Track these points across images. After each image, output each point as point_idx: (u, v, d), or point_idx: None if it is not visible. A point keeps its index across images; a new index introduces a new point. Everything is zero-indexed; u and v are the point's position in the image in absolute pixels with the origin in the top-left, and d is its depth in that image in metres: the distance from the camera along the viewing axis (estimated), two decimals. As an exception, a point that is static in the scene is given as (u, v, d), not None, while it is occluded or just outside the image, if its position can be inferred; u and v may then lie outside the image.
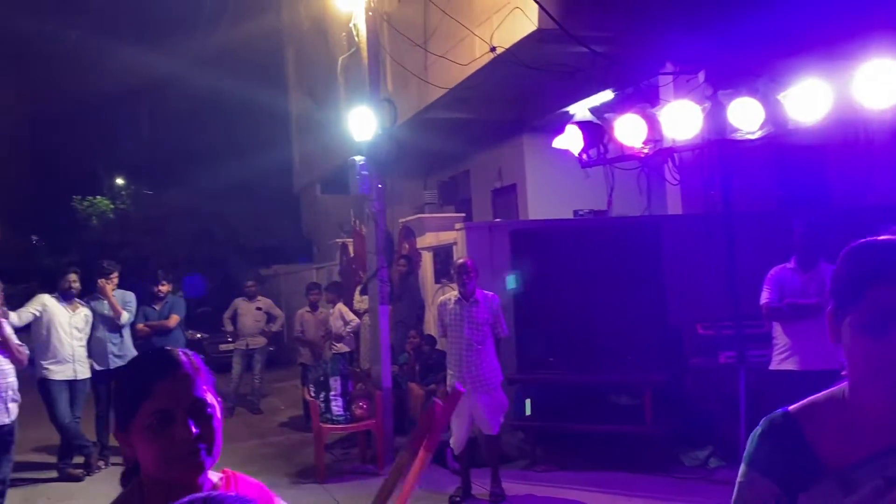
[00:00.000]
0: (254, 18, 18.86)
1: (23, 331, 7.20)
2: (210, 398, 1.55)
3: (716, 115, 6.23)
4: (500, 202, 12.87)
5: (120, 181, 27.05)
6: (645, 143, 6.49)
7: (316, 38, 16.43)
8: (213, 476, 1.61)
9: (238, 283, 12.97)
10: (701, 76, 7.41)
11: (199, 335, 15.04)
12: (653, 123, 6.42)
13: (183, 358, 1.58)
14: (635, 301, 7.37)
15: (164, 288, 9.00)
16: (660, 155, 6.56)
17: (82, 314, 7.80)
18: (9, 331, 6.21)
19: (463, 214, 11.36)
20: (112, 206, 25.47)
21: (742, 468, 1.43)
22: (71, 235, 24.01)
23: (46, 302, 7.68)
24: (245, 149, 20.12)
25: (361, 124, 7.79)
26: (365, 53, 8.01)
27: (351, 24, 8.21)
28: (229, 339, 12.28)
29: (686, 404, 7.13)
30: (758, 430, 1.43)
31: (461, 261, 6.67)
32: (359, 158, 7.77)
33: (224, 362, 12.03)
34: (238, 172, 20.00)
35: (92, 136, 25.92)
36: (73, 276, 7.81)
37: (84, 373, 7.71)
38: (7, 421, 6.10)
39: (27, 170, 24.74)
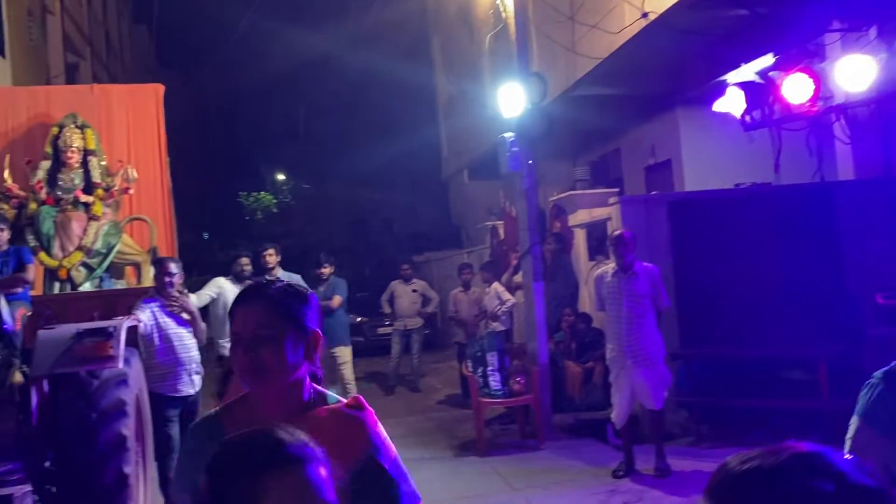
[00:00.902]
0: (400, 6, 19.27)
1: (200, 312, 7.70)
2: (274, 331, 1.73)
3: (893, 67, 5.79)
4: (654, 180, 12.48)
5: (281, 176, 28.51)
6: (813, 100, 6.13)
7: (461, 23, 16.57)
8: (330, 398, 1.83)
9: (392, 269, 13.32)
10: (872, 32, 6.90)
11: (358, 319, 15.56)
12: (822, 80, 6.05)
13: (269, 292, 1.80)
14: (807, 271, 6.98)
15: (327, 270, 9.33)
16: (830, 113, 6.17)
17: (254, 295, 8.25)
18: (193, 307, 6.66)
19: (616, 189, 11.12)
20: (275, 201, 26.90)
21: (863, 425, 1.25)
22: (238, 230, 25.50)
23: (222, 284, 8.20)
24: (395, 139, 20.65)
25: (510, 100, 7.78)
26: (513, 28, 7.99)
27: (497, 0, 8.21)
28: (387, 322, 12.64)
29: (866, 377, 6.66)
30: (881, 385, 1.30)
31: (618, 232, 6.54)
32: (508, 135, 7.77)
33: (383, 344, 12.41)
34: (389, 162, 20.52)
35: (253, 134, 27.45)
36: (244, 260, 8.30)
37: (257, 349, 8.14)
38: (192, 392, 6.53)
39: (198, 170, 26.49)
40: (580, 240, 9.78)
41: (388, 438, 1.80)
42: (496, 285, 9.87)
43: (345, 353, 8.88)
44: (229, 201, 27.00)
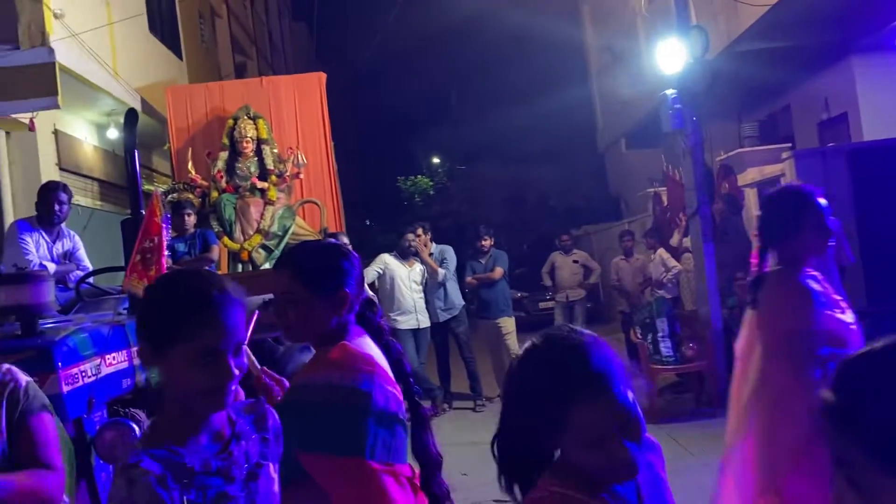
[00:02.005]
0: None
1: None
2: (295, 295, 2.06)
3: None
4: (828, 136, 11.71)
5: (436, 159, 29.07)
6: None
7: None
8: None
9: (550, 244, 13.22)
10: None
11: (518, 294, 15.58)
12: None
13: (294, 258, 2.09)
14: None
15: (487, 242, 9.39)
16: None
17: (418, 269, 8.50)
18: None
19: (789, 145, 10.51)
20: (431, 184, 27.47)
21: None
22: (398, 214, 26.24)
23: (387, 260, 8.51)
24: (547, 113, 20.49)
25: (670, 56, 7.51)
26: (670, -18, 7.71)
27: (653, -44, 7.94)
28: (548, 296, 12.56)
29: None
30: None
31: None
32: (670, 92, 7.51)
33: (546, 319, 12.39)
34: (543, 137, 20.37)
35: (408, 120, 28.11)
36: (410, 236, 8.57)
37: (425, 322, 8.40)
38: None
39: (358, 161, 27.46)
40: (751, 200, 9.33)
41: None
42: (661, 252, 9.58)
43: (508, 324, 8.94)
44: (388, 188, 27.87)
